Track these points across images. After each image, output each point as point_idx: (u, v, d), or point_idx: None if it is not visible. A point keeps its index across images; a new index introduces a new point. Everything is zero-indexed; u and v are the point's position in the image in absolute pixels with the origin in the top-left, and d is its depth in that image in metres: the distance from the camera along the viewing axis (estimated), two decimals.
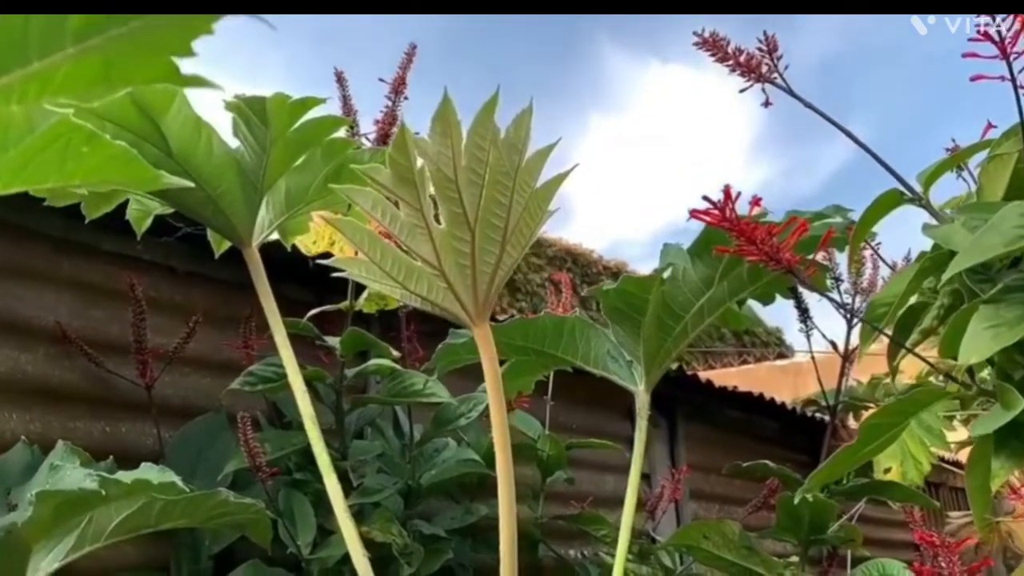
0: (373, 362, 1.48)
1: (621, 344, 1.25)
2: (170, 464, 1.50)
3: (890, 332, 0.80)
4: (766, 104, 0.83)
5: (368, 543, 1.45)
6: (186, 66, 0.38)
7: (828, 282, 1.51)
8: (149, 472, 0.82)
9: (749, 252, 0.75)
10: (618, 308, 1.19)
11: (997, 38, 0.63)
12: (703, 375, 3.80)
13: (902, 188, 0.75)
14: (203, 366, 1.69)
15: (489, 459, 1.80)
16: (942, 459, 3.67)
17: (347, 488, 1.43)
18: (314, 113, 1.00)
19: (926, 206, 0.74)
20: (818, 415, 3.06)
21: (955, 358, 0.62)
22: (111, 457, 1.04)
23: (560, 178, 0.77)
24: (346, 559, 1.41)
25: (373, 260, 0.70)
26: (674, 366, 2.62)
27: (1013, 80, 0.64)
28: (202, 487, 1.39)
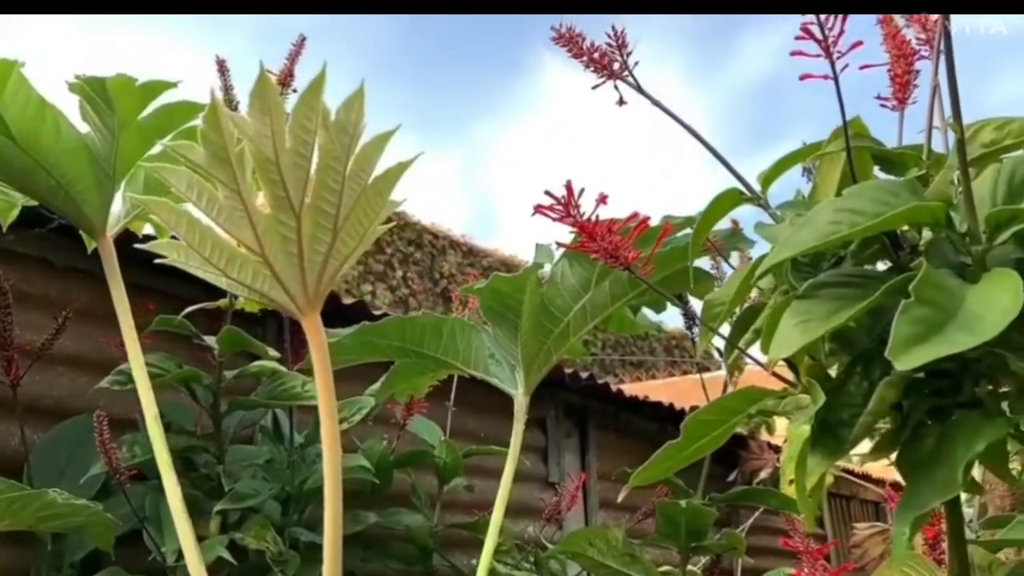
0: (255, 363, 1.44)
1: (500, 345, 1.23)
2: (35, 467, 1.43)
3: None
4: (620, 103, 0.83)
5: (243, 550, 1.40)
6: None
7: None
8: None
9: (590, 248, 0.74)
10: (494, 309, 1.17)
11: (821, 37, 0.63)
12: (628, 387, 3.81)
13: (742, 188, 0.75)
14: (80, 365, 1.61)
15: (383, 467, 1.76)
16: (851, 472, 3.74)
17: (222, 493, 1.38)
18: (170, 98, 0.96)
19: (764, 206, 0.74)
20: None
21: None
22: None
23: (401, 167, 0.75)
24: (216, 565, 1.36)
25: (191, 245, 0.67)
26: (584, 374, 2.62)
27: (836, 79, 0.64)
28: (70, 491, 1.32)
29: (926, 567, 1.03)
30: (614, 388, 2.81)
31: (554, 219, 0.77)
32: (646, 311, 1.46)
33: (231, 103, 1.31)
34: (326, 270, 0.71)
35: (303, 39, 1.38)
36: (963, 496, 1.34)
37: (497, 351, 1.27)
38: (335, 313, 1.92)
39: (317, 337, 0.71)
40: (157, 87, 0.90)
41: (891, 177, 0.68)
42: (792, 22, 0.68)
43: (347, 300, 1.96)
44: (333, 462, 0.70)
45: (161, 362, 1.36)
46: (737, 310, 0.76)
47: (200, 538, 1.37)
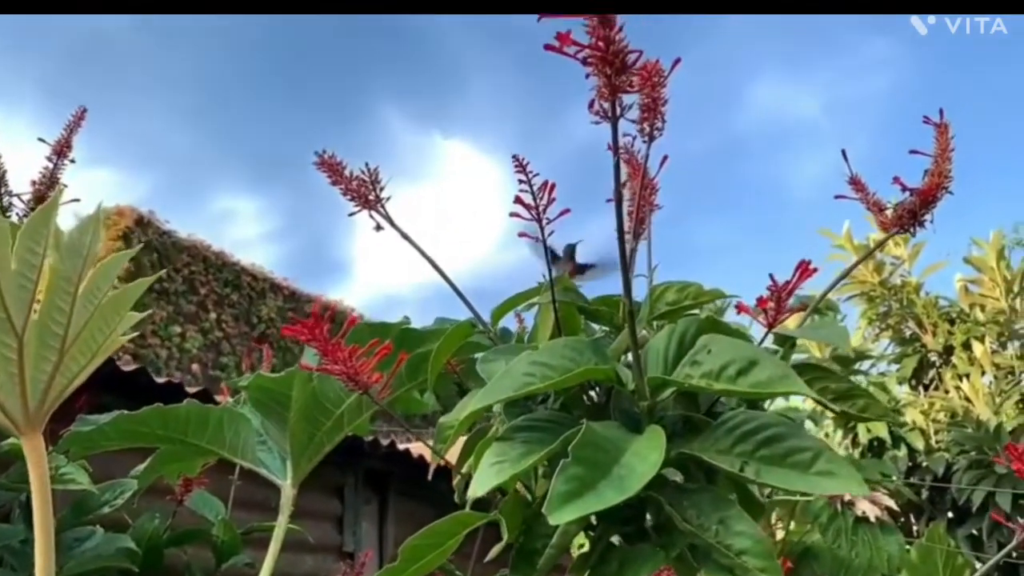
0: (7, 442, 1.34)
1: (269, 436, 1.23)
2: None
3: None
4: (378, 228, 0.88)
5: None
6: None
7: None
8: None
9: (333, 371, 0.78)
10: (262, 402, 1.18)
11: (533, 203, 0.72)
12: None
13: (476, 320, 0.82)
14: None
15: (154, 546, 1.68)
16: None
17: None
18: None
19: (493, 339, 0.81)
20: None
21: None
22: None
23: (140, 285, 0.76)
24: None
25: None
26: (385, 441, 2.63)
27: (544, 242, 0.72)
28: None
29: None
30: (416, 454, 2.84)
31: (302, 340, 0.81)
32: None
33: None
34: (51, 389, 0.70)
35: (84, 110, 1.34)
36: None
37: (268, 440, 1.27)
38: (113, 380, 1.83)
39: (36, 459, 0.69)
40: None
41: (595, 326, 0.77)
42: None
43: (127, 367, 1.87)
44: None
45: None
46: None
47: None
